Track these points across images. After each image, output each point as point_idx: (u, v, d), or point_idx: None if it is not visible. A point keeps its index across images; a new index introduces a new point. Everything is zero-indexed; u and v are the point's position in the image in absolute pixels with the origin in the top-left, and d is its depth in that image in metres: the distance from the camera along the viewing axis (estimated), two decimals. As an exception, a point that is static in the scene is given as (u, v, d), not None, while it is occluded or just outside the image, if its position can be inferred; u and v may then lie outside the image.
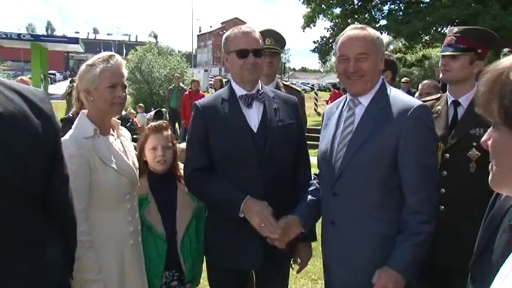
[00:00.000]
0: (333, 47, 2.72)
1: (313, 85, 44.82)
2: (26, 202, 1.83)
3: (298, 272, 3.08)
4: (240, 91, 2.75)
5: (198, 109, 2.77)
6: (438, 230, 2.45)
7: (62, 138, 2.46)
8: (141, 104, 18.08)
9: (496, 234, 1.66)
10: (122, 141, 2.73)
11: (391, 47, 33.68)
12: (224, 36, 2.79)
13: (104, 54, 2.60)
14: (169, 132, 3.01)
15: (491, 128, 1.12)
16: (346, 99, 2.59)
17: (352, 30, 2.48)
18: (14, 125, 1.73)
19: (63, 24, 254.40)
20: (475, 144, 2.81)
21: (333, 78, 46.10)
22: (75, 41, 41.38)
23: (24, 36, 37.48)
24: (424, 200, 2.33)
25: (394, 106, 2.38)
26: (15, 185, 1.76)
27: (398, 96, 2.44)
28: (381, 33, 22.75)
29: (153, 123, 3.04)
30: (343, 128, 2.52)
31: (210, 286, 2.96)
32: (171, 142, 2.97)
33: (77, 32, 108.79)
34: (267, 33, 3.71)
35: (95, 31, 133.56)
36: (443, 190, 2.79)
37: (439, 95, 3.23)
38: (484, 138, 1.17)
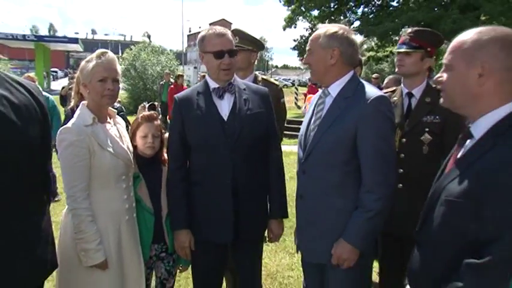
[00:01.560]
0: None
1: (293, 81, 44.71)
2: (33, 177, 2.02)
3: (271, 242, 3.09)
4: (213, 84, 2.78)
5: (176, 102, 2.82)
6: (396, 205, 2.54)
7: (65, 126, 2.56)
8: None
9: (436, 207, 1.74)
10: (118, 129, 2.78)
11: (365, 46, 33.73)
12: (200, 37, 2.79)
13: (99, 51, 2.64)
14: (158, 122, 3.06)
15: None
16: None
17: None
18: (26, 112, 1.92)
19: (64, 26, 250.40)
20: (427, 129, 2.93)
21: (312, 75, 45.89)
22: (75, 41, 41.02)
23: (28, 37, 37.50)
24: (378, 181, 2.35)
25: (358, 97, 2.40)
26: (26, 165, 1.95)
27: (363, 89, 2.45)
28: (355, 34, 22.90)
29: (145, 113, 3.09)
30: (315, 115, 2.56)
31: (191, 259, 2.99)
32: (159, 131, 3.03)
33: (76, 33, 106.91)
34: (234, 33, 3.76)
35: (93, 32, 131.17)
36: (401, 170, 2.91)
37: (394, 88, 3.33)
38: None
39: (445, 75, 1.72)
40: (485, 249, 1.50)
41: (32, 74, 8.25)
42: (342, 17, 22.82)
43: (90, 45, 72.98)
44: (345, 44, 2.43)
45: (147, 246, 2.94)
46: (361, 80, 2.54)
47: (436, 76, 1.79)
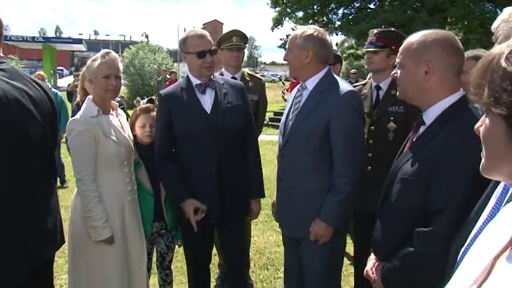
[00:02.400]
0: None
1: (280, 76, 44.71)
2: (44, 161, 2.14)
3: (251, 219, 3.14)
4: (195, 81, 2.79)
5: (162, 97, 2.82)
6: (366, 185, 2.60)
7: (74, 118, 2.64)
8: None
9: (394, 184, 1.81)
10: (119, 120, 2.84)
11: (346, 44, 33.73)
12: (181, 39, 2.79)
13: (103, 51, 2.69)
14: (155, 113, 3.07)
15: (483, 116, 0.93)
16: None
17: None
18: (40, 105, 2.03)
19: (68, 28, 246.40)
20: (392, 118, 2.99)
21: (298, 71, 45.68)
22: (79, 41, 40.99)
23: (37, 38, 37.78)
24: (348, 166, 2.40)
25: (331, 91, 2.44)
26: (40, 151, 2.07)
27: (336, 83, 2.48)
28: (336, 33, 23.00)
29: (142, 106, 3.14)
30: (294, 106, 2.60)
31: (182, 237, 3.06)
32: (156, 121, 3.03)
33: (80, 34, 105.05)
34: (234, 33, 3.77)
35: (96, 33, 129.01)
36: (370, 154, 2.94)
37: (365, 81, 3.41)
38: (477, 124, 0.95)
39: (399, 72, 1.82)
40: (431, 220, 1.64)
41: (42, 72, 8.34)
42: (324, 18, 22.79)
43: (93, 45, 72.16)
44: (318, 46, 2.47)
45: (149, 224, 3.00)
46: (335, 76, 2.58)
47: (393, 72, 1.90)
